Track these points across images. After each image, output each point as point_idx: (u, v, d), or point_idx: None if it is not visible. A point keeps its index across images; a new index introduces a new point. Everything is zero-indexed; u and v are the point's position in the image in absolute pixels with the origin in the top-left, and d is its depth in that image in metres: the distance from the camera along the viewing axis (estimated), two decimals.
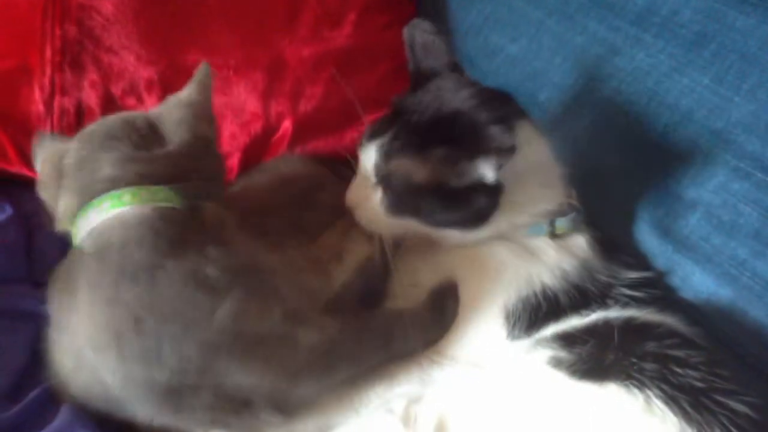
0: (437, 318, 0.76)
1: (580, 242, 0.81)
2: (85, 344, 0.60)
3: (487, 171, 0.72)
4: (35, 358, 0.74)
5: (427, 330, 0.75)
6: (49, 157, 0.70)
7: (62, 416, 0.68)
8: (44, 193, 0.70)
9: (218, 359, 0.60)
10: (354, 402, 0.72)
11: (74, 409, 0.68)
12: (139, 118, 0.71)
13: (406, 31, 0.84)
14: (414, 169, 0.75)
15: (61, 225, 0.69)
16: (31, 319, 0.78)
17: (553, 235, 0.80)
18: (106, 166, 0.65)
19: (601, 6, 0.96)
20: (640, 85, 0.91)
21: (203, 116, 0.73)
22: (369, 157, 0.79)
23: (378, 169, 0.78)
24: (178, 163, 0.68)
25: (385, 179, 0.78)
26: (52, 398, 0.70)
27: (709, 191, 0.83)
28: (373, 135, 0.79)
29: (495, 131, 0.70)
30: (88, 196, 0.64)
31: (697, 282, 0.84)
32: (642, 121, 0.90)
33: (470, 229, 0.77)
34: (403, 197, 0.77)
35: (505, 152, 0.70)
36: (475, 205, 0.75)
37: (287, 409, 0.66)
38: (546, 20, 1.04)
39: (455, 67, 0.84)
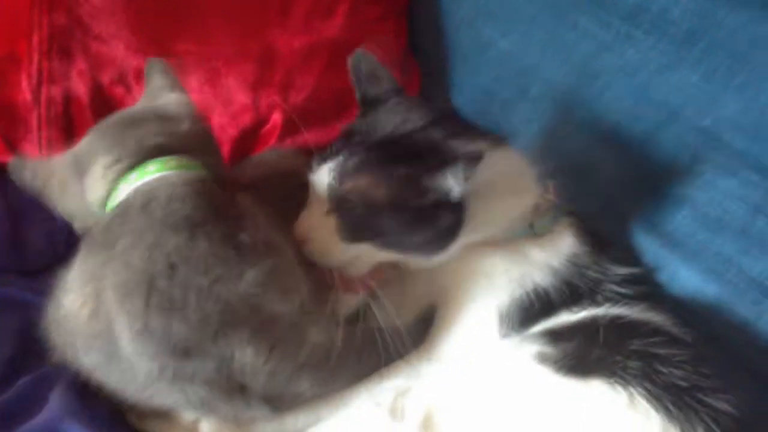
0: None
1: (565, 238, 0.80)
2: (114, 291, 0.62)
3: (453, 184, 0.69)
4: (23, 348, 0.75)
5: None
6: (59, 162, 0.73)
7: (52, 406, 0.68)
8: (63, 193, 0.72)
9: (233, 328, 0.62)
10: (343, 395, 0.73)
11: (64, 398, 0.68)
12: (137, 109, 0.76)
13: (350, 62, 0.84)
14: (372, 188, 0.72)
15: (82, 219, 0.73)
16: (18, 307, 0.79)
17: (535, 236, 0.79)
18: (151, 136, 0.70)
19: (592, 2, 0.96)
20: (630, 81, 0.91)
21: (188, 97, 0.78)
22: (321, 181, 0.75)
23: (332, 191, 0.74)
24: (199, 139, 0.74)
25: (340, 202, 0.74)
26: (41, 388, 0.70)
27: (696, 188, 0.84)
28: (324, 159, 0.76)
29: (457, 143, 0.70)
30: (133, 161, 0.69)
31: (683, 278, 0.85)
32: (631, 117, 0.91)
33: (435, 251, 0.75)
34: (361, 220, 0.73)
35: (472, 161, 0.68)
36: (440, 224, 0.73)
37: (279, 403, 0.67)
38: (538, 15, 1.04)
39: (400, 92, 0.84)
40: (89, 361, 0.65)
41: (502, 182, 0.77)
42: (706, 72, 0.83)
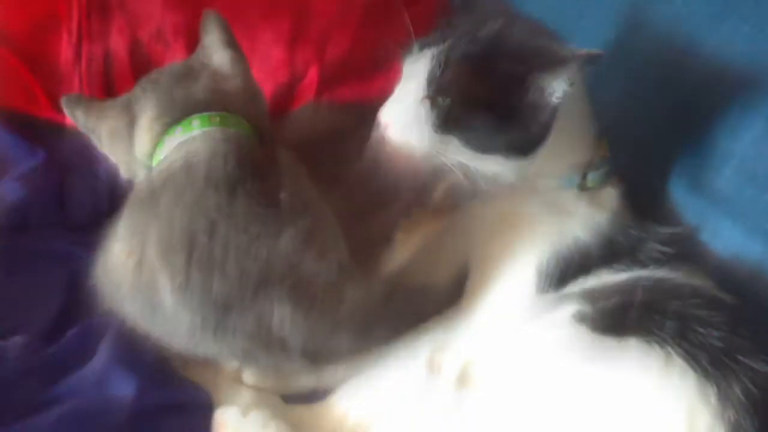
0: None
1: (612, 195, 0.80)
2: (157, 246, 0.63)
3: (561, 85, 0.69)
4: (71, 299, 0.77)
5: None
6: (110, 107, 0.74)
7: (100, 355, 0.71)
8: (111, 141, 0.75)
9: (272, 285, 0.63)
10: (382, 349, 0.73)
11: (111, 348, 0.70)
12: (192, 63, 0.78)
13: None
14: (475, 80, 0.71)
15: (130, 169, 0.75)
16: (65, 260, 0.81)
17: (584, 188, 0.79)
18: (197, 92, 0.72)
19: None
20: (677, 33, 0.88)
21: (243, 55, 0.80)
22: (420, 67, 0.74)
23: (432, 77, 0.72)
24: (245, 97, 0.75)
25: (439, 89, 0.72)
26: (89, 338, 0.72)
27: (744, 143, 0.81)
28: (426, 44, 0.75)
29: (565, 47, 0.69)
30: (178, 116, 0.71)
31: (726, 236, 0.83)
32: (679, 70, 0.88)
33: (518, 155, 0.73)
34: (457, 110, 0.71)
35: (586, 62, 0.69)
36: (531, 127, 0.72)
37: (318, 358, 0.69)
38: None
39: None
40: (134, 310, 0.67)
41: (573, 120, 0.77)
42: (757, 22, 0.80)
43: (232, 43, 0.79)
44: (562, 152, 0.77)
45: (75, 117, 0.75)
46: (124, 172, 0.77)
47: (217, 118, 0.70)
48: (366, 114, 0.89)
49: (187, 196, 0.64)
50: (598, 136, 0.82)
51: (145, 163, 0.73)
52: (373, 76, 1.06)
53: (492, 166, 0.74)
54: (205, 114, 0.70)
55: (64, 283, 0.79)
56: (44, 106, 1.00)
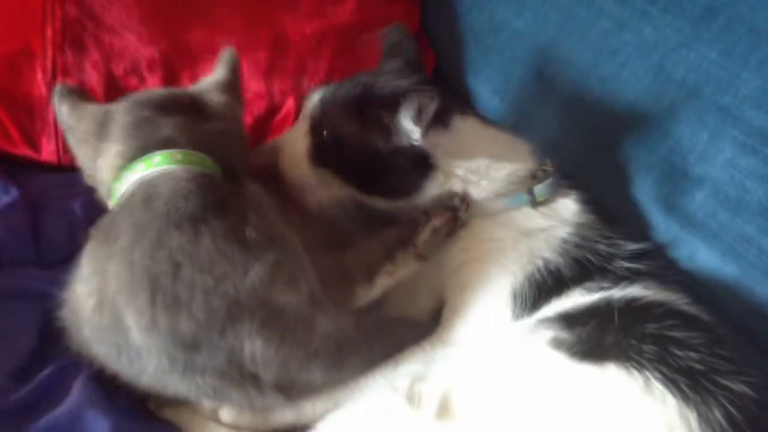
0: None
1: (569, 206, 0.82)
2: (118, 287, 0.62)
3: (408, 124, 0.75)
4: (44, 339, 0.75)
5: None
6: (91, 114, 0.72)
7: (73, 396, 0.69)
8: (80, 146, 0.73)
9: (241, 321, 0.62)
10: (360, 382, 0.73)
11: (85, 388, 0.69)
12: (184, 94, 0.76)
13: (383, 33, 0.91)
14: (344, 120, 0.79)
15: (91, 179, 0.73)
16: (39, 300, 0.79)
17: (536, 203, 0.81)
18: (165, 128, 0.70)
19: None
20: (647, 59, 0.89)
21: (239, 100, 0.80)
22: (308, 104, 0.84)
23: (312, 115, 0.82)
24: (221, 139, 0.73)
25: (315, 127, 0.81)
26: (63, 378, 0.71)
27: (716, 167, 0.82)
28: (320, 86, 0.84)
29: (416, 89, 0.74)
30: (140, 152, 0.68)
31: (702, 258, 0.84)
32: (649, 95, 0.89)
33: (394, 196, 0.81)
34: (329, 148, 0.79)
35: (425, 101, 0.74)
36: (401, 170, 0.78)
37: (291, 391, 0.68)
38: None
39: (417, 68, 0.89)
40: (100, 352, 0.65)
41: (491, 148, 0.82)
42: (725, 48, 0.82)
43: (233, 86, 0.79)
44: (484, 173, 0.81)
45: (60, 110, 0.74)
46: (86, 178, 0.75)
47: (179, 156, 0.68)
48: None
49: (147, 236, 0.62)
50: (540, 154, 0.85)
51: (105, 187, 0.71)
52: None
53: (377, 203, 0.81)
54: (167, 151, 0.68)
55: (38, 323, 0.77)
56: (17, 143, 0.99)
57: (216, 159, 0.71)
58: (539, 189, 0.81)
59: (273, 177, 0.85)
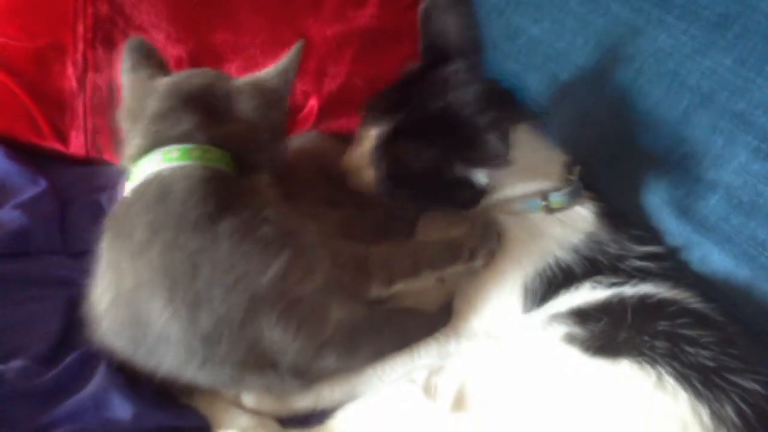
0: None
1: (583, 215, 0.83)
2: (135, 283, 0.63)
3: (480, 177, 0.78)
4: (71, 324, 0.77)
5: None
6: (138, 85, 0.74)
7: (97, 381, 0.71)
8: (121, 117, 0.74)
9: (261, 313, 0.63)
10: (378, 372, 0.75)
11: (109, 372, 0.71)
12: (221, 87, 0.75)
13: (421, 8, 0.86)
14: (410, 159, 0.80)
15: (123, 158, 0.74)
16: (65, 286, 0.81)
17: (550, 210, 0.82)
18: (186, 123, 0.70)
19: None
20: (662, 66, 0.90)
21: (277, 105, 0.78)
22: (369, 139, 0.83)
23: (375, 152, 0.82)
24: (243, 138, 0.73)
25: (379, 162, 0.81)
26: (88, 363, 0.72)
27: (729, 172, 0.83)
28: (375, 117, 0.84)
29: (492, 141, 0.74)
30: (159, 143, 0.69)
31: (715, 262, 0.85)
32: (663, 102, 0.90)
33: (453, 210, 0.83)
34: (394, 182, 0.81)
35: (499, 163, 0.75)
36: (460, 197, 0.80)
37: (308, 376, 0.70)
38: (569, 1, 1.04)
39: (469, 50, 0.86)
40: (118, 344, 0.67)
41: (525, 164, 0.81)
42: (739, 56, 0.82)
43: (279, 88, 0.78)
44: (520, 182, 0.83)
45: (123, 60, 0.76)
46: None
47: (197, 152, 0.68)
48: None
49: (163, 235, 0.63)
50: (570, 163, 0.87)
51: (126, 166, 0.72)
52: None
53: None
54: (186, 146, 0.68)
55: (64, 309, 0.79)
56: (48, 136, 1.02)
57: (234, 156, 0.72)
58: (555, 196, 0.83)
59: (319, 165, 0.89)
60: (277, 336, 0.64)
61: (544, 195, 0.83)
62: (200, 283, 0.62)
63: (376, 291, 0.75)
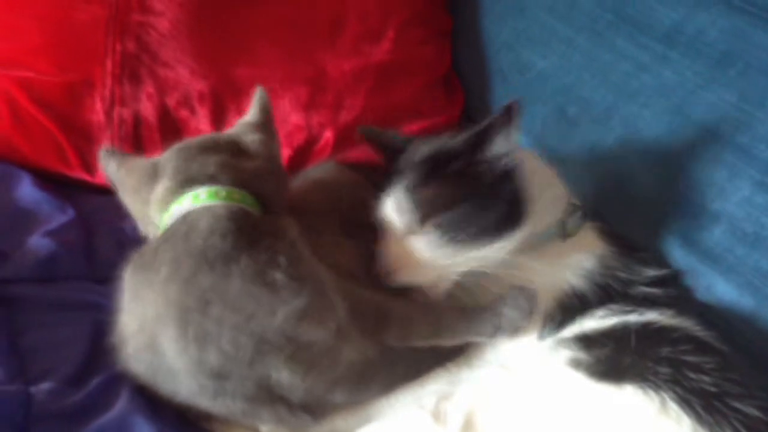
0: None
1: (591, 237, 0.85)
2: (154, 315, 0.65)
3: (503, 145, 0.77)
4: (97, 348, 0.79)
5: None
6: (140, 166, 0.77)
7: (122, 403, 0.73)
8: (132, 196, 0.78)
9: (269, 355, 0.64)
10: (389, 399, 0.77)
11: (134, 396, 0.73)
12: (222, 137, 0.81)
13: (361, 132, 0.93)
14: (441, 188, 0.79)
15: (143, 223, 0.78)
16: (92, 310, 0.83)
17: (564, 236, 0.84)
18: (211, 166, 0.74)
19: (629, 24, 0.99)
20: (667, 101, 0.93)
21: (274, 136, 0.83)
22: (391, 208, 0.81)
23: (408, 208, 0.79)
24: (258, 175, 0.76)
25: (423, 219, 0.78)
26: (114, 385, 0.74)
27: (733, 204, 0.85)
28: (384, 194, 0.82)
29: (491, 118, 0.75)
30: (188, 187, 0.72)
31: (720, 291, 0.87)
32: (669, 135, 0.93)
33: (508, 230, 0.78)
34: (443, 221, 0.78)
35: (509, 116, 0.75)
36: (506, 196, 0.78)
37: (319, 411, 0.71)
38: (576, 38, 1.07)
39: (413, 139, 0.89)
40: (139, 370, 0.70)
41: (544, 191, 0.83)
42: (742, 91, 0.85)
43: (266, 125, 0.83)
44: (543, 214, 0.83)
45: (108, 167, 0.79)
46: (140, 226, 0.80)
47: (223, 192, 0.71)
48: (371, 173, 0.95)
49: (182, 271, 0.65)
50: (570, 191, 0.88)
51: (156, 224, 0.75)
52: None
53: (493, 248, 0.79)
54: (213, 188, 0.71)
55: (90, 332, 0.81)
56: (75, 166, 1.06)
57: (255, 195, 0.74)
58: (571, 223, 0.84)
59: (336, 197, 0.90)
60: (284, 377, 0.66)
61: (562, 223, 0.84)
62: (210, 320, 0.63)
63: (388, 341, 0.75)
